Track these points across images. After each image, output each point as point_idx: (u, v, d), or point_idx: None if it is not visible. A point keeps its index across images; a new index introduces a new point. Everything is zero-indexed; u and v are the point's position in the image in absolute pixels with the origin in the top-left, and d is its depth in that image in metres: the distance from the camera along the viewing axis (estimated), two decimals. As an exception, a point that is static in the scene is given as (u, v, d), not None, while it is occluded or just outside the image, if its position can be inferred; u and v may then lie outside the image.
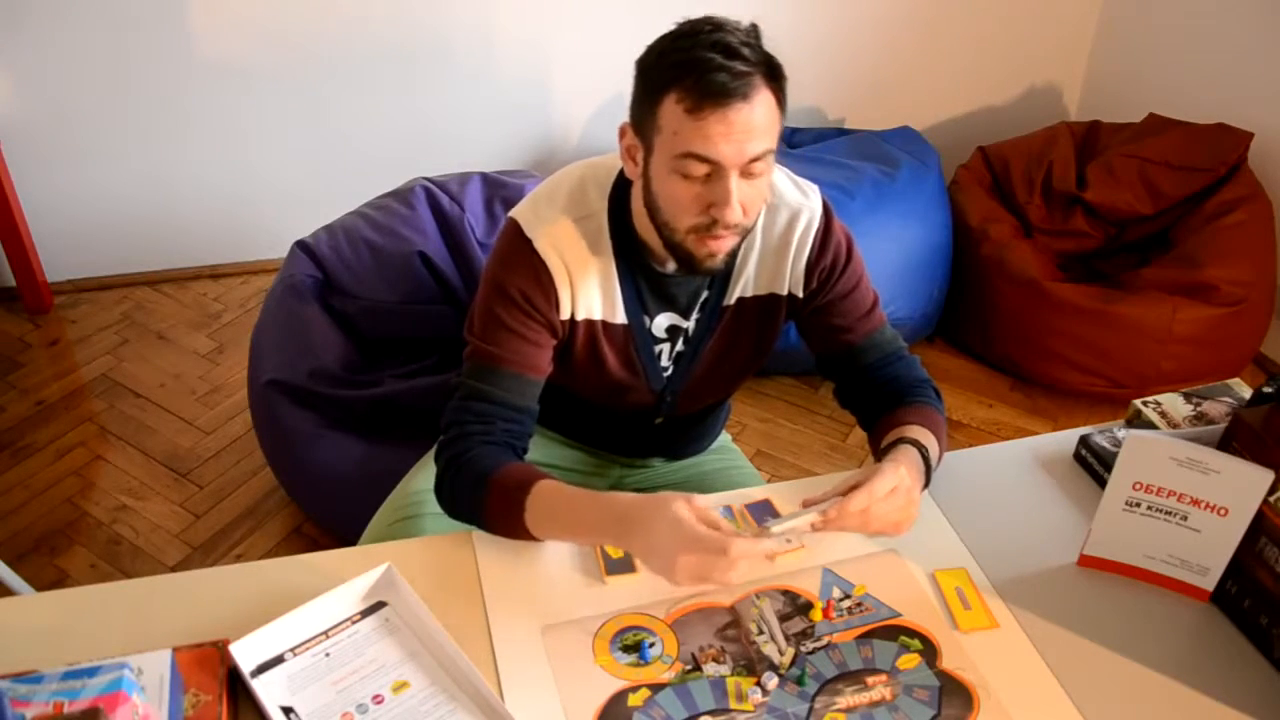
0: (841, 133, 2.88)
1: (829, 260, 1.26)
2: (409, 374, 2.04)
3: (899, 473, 1.08)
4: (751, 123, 1.05)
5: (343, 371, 2.00)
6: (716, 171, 1.07)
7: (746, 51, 1.05)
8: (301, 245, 2.15)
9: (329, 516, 2.04)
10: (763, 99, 1.05)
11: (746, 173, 1.08)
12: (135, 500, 2.17)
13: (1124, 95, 3.01)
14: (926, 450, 1.17)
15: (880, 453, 1.21)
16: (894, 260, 2.45)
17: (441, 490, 1.19)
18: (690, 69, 1.04)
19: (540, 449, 1.47)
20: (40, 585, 1.92)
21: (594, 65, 2.80)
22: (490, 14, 2.71)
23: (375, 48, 2.68)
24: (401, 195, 2.18)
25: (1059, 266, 2.63)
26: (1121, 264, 2.66)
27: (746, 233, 1.15)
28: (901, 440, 1.18)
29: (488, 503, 1.14)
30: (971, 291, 2.62)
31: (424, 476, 1.42)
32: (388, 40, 2.68)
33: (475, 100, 2.83)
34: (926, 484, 1.19)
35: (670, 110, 1.06)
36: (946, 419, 1.31)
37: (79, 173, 2.67)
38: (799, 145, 2.83)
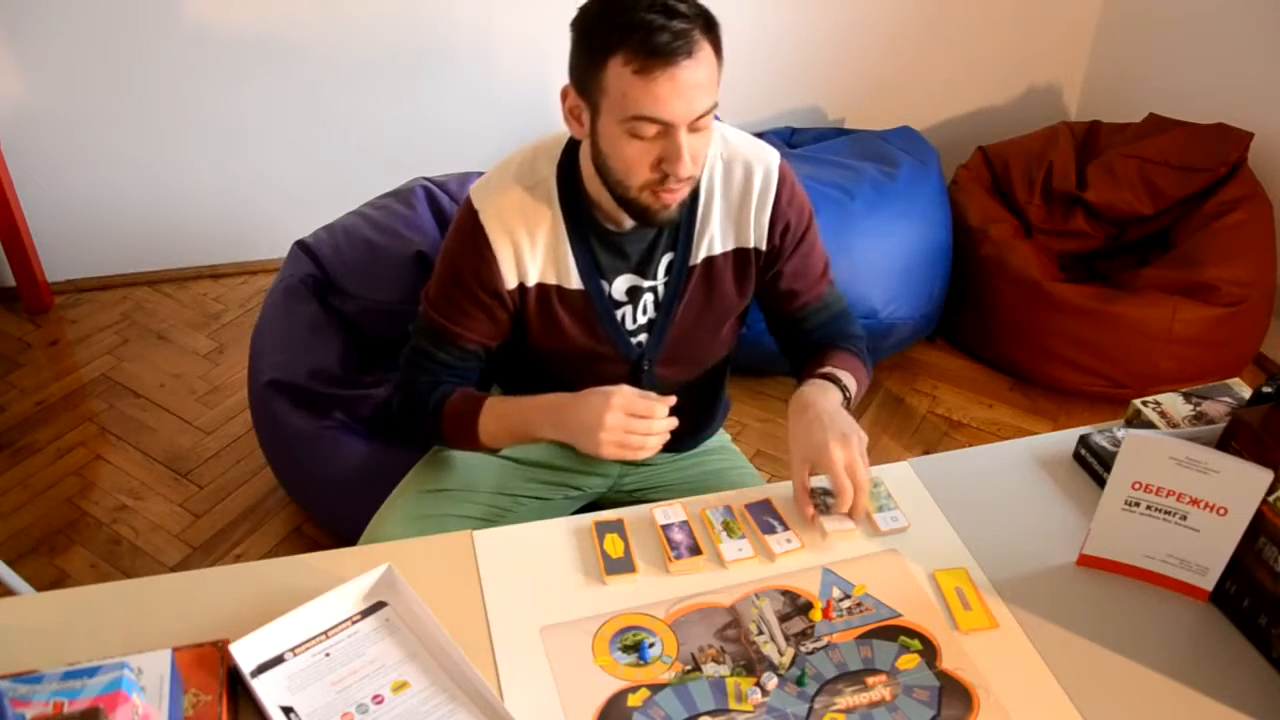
0: (841, 133, 2.88)
1: (793, 217, 1.31)
2: (409, 374, 2.04)
3: (850, 450, 1.17)
4: (697, 79, 1.09)
5: (343, 371, 2.00)
6: (667, 130, 1.10)
7: (683, 8, 1.08)
8: (301, 245, 2.15)
9: (329, 516, 2.04)
10: (705, 55, 1.09)
11: (694, 128, 1.12)
12: (135, 500, 2.17)
13: (1124, 95, 3.01)
14: (840, 380, 1.28)
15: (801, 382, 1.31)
16: (894, 260, 2.45)
17: (400, 422, 1.33)
18: (633, 30, 1.06)
19: (539, 449, 1.47)
20: (40, 585, 1.92)
21: (594, 65, 2.80)
22: (490, 14, 2.71)
23: (375, 48, 2.68)
24: (401, 195, 2.18)
25: (1059, 266, 2.63)
26: (1121, 264, 2.66)
27: (696, 181, 1.20)
28: (819, 376, 1.29)
29: (444, 421, 1.29)
30: (971, 291, 2.62)
31: (425, 476, 1.42)
32: (388, 40, 2.68)
33: (475, 100, 2.83)
34: (847, 406, 1.29)
35: (617, 73, 1.08)
36: (872, 367, 1.42)
37: (79, 172, 2.67)
38: (799, 145, 2.83)
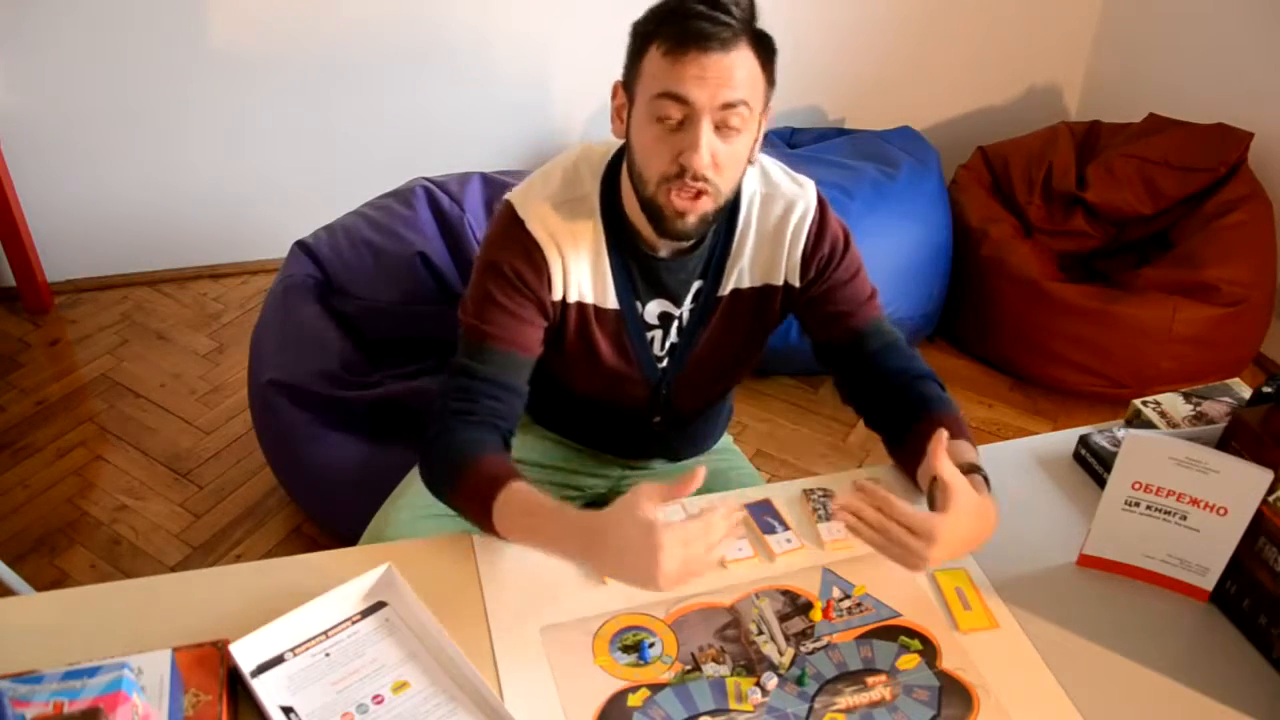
0: (841, 133, 2.88)
1: (826, 249, 1.27)
2: (409, 374, 2.04)
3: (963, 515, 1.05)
4: (728, 71, 1.06)
5: (343, 371, 2.00)
6: (690, 117, 1.07)
7: (734, 9, 1.07)
8: (301, 245, 2.15)
9: (329, 516, 2.04)
10: (743, 55, 1.07)
11: (721, 125, 1.08)
12: (135, 500, 2.17)
13: (1124, 95, 3.01)
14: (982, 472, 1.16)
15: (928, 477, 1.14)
16: (894, 260, 2.45)
17: (424, 465, 1.21)
18: (675, 17, 1.07)
19: (540, 449, 1.47)
20: (40, 585, 1.92)
21: (594, 65, 2.80)
22: (490, 14, 2.71)
23: (375, 48, 2.68)
24: (401, 195, 2.18)
25: (1059, 266, 2.63)
26: (1121, 264, 2.66)
27: (720, 201, 1.13)
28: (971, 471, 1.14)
29: (460, 491, 1.15)
30: (971, 291, 2.62)
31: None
32: (388, 40, 2.68)
33: (475, 100, 2.83)
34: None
35: (652, 58, 1.09)
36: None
37: (79, 172, 2.67)
38: (799, 145, 2.83)
